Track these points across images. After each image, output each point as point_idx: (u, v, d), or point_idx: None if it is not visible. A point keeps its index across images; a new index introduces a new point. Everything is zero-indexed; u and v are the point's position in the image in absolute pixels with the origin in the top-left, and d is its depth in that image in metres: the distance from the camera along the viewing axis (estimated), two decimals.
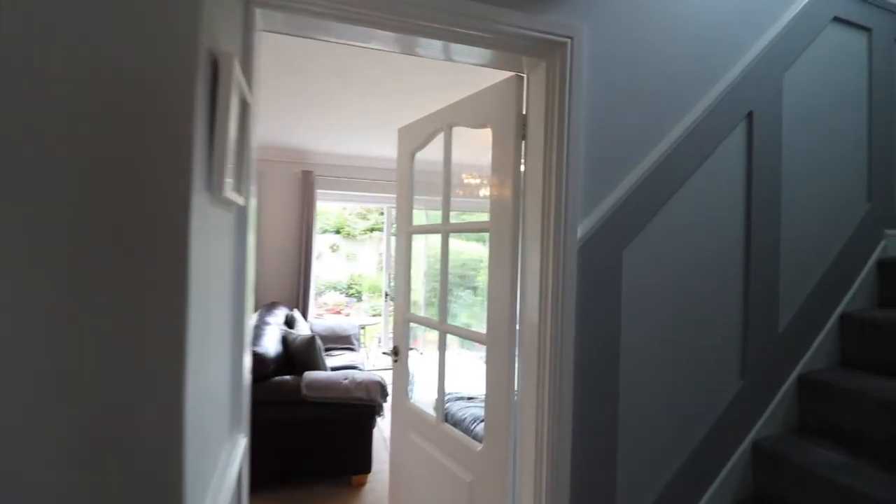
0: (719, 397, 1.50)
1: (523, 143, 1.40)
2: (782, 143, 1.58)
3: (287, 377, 2.50)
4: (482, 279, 7.00)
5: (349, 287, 8.03)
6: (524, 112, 1.40)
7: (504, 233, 1.46)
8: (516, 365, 1.42)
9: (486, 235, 1.54)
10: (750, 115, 1.52)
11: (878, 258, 1.76)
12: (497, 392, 1.48)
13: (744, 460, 1.53)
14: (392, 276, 5.41)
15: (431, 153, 1.88)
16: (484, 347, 1.54)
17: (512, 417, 1.42)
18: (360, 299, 7.89)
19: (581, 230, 1.29)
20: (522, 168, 1.41)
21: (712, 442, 1.49)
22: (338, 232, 8.33)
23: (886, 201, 1.80)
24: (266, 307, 3.78)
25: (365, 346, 6.02)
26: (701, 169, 1.46)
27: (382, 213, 6.28)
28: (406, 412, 1.97)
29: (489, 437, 1.50)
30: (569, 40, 1.25)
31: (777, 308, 1.59)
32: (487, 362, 1.53)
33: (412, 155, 1.98)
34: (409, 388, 2.06)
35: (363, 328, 5.96)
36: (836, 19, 1.66)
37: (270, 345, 2.61)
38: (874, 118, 1.76)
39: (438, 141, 1.80)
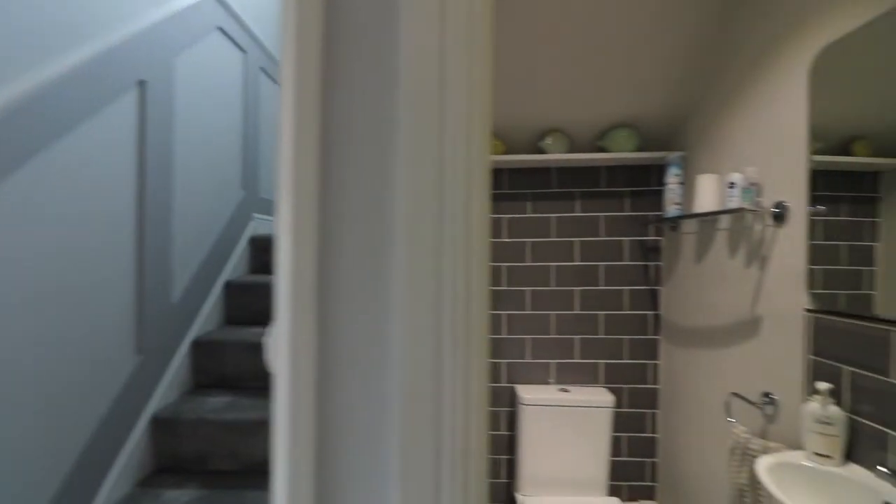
0: (116, 379, 1.38)
1: None
2: (174, 121, 1.66)
3: None
4: None
5: None
6: None
7: None
8: None
9: None
10: (143, 83, 1.49)
11: (250, 236, 2.23)
12: None
13: (145, 435, 1.49)
14: None
15: None
16: None
17: None
18: None
19: None
20: None
21: (110, 426, 1.35)
22: None
23: (254, 191, 2.31)
24: None
25: None
26: (89, 123, 1.27)
27: None
28: None
29: None
30: None
31: (171, 279, 1.65)
32: None
33: None
34: None
35: None
36: (221, 30, 1.94)
37: None
38: (247, 123, 2.21)
39: None
